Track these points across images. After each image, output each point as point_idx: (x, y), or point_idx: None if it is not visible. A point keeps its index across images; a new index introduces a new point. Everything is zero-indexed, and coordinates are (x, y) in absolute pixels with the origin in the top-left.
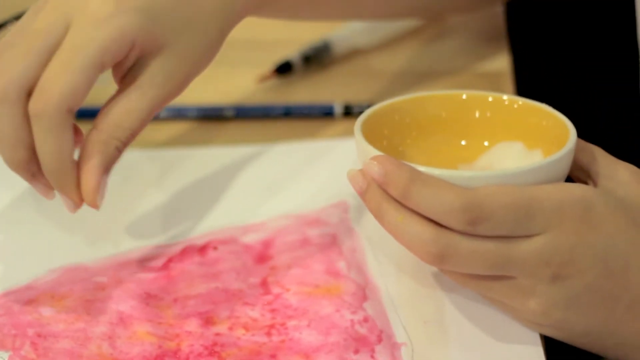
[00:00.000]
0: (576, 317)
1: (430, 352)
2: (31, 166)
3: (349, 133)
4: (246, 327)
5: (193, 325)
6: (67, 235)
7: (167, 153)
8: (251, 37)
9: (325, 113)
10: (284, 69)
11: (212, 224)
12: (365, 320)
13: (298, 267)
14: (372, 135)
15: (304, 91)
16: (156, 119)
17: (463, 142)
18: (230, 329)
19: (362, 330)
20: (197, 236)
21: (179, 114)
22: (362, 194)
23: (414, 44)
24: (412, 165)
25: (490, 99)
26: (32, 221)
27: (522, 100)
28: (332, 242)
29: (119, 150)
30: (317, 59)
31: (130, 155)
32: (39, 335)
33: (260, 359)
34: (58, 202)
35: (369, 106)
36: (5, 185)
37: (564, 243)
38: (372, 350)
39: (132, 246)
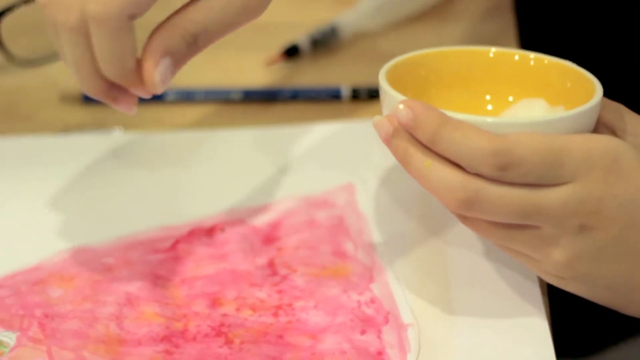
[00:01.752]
0: (600, 270)
1: (436, 333)
2: (112, 92)
3: (356, 116)
4: (253, 308)
5: (200, 306)
6: (75, 217)
7: (175, 136)
8: (259, 20)
9: (332, 96)
10: (291, 52)
11: (219, 205)
12: (372, 301)
13: (305, 248)
14: (396, 86)
15: (312, 74)
16: (164, 102)
17: (487, 97)
18: (238, 309)
19: (369, 311)
20: (205, 218)
21: (187, 97)
22: (388, 140)
23: (421, 27)
24: (442, 110)
25: (516, 57)
26: (40, 203)
27: (548, 59)
28: (339, 224)
29: (187, 43)
30: (324, 42)
31: (138, 138)
32: (46, 316)
33: (267, 340)
34: (66, 183)
35: (376, 90)
36: (12, 166)
37: (592, 193)
38: (379, 331)
39: (140, 228)
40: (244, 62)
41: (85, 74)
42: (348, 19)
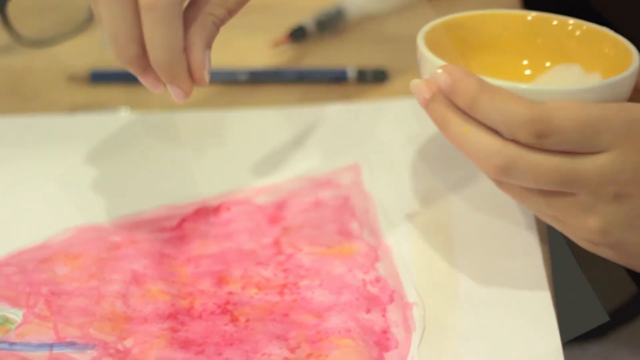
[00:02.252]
0: (634, 237)
1: (441, 312)
2: (143, 61)
3: (362, 97)
4: (259, 287)
5: (206, 284)
6: (82, 195)
7: (181, 116)
8: (266, 2)
9: (338, 78)
10: (297, 34)
11: (226, 185)
12: (377, 280)
13: (311, 228)
14: (433, 49)
15: (318, 56)
16: None
17: (525, 62)
18: (243, 288)
19: (374, 290)
20: (211, 197)
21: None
22: (426, 104)
23: (426, 9)
24: (481, 76)
25: (555, 22)
26: (46, 182)
27: (586, 25)
28: (344, 204)
29: (217, 26)
30: (330, 24)
31: (144, 118)
32: (52, 293)
33: (273, 318)
34: (72, 162)
35: (382, 71)
36: (19, 145)
37: (629, 162)
38: (384, 310)
39: (147, 207)
40: (251, 44)
41: (123, 43)
42: (354, 2)
